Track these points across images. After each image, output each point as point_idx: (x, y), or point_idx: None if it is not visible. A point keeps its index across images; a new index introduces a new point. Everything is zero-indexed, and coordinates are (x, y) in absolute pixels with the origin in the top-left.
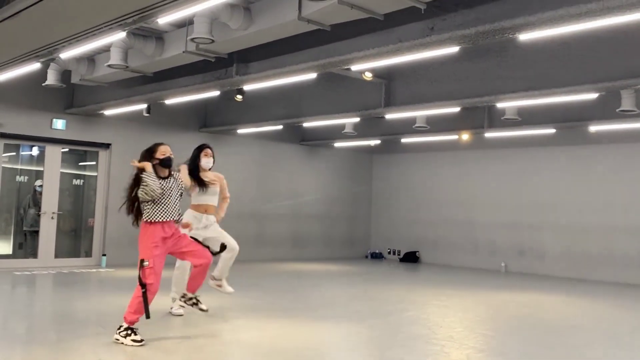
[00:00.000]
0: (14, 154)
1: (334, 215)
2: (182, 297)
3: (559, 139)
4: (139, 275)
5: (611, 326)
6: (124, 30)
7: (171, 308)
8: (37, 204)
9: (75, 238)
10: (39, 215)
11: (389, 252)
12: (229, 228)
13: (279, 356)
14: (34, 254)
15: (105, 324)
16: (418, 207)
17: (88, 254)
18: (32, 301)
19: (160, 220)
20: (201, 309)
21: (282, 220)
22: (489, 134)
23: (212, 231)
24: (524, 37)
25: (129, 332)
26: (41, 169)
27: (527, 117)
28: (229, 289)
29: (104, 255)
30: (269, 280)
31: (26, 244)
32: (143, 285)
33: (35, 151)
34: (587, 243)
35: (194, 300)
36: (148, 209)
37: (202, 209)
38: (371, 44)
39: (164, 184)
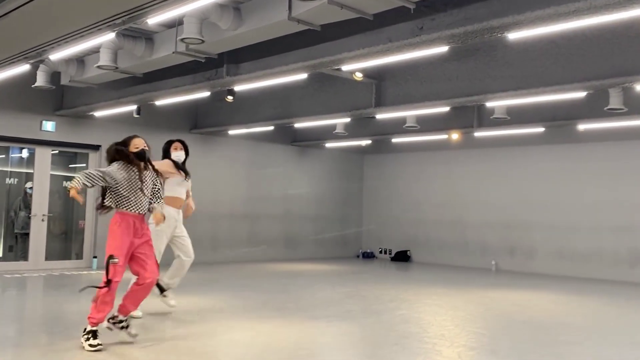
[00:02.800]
0: (3, 156)
1: (326, 215)
2: (111, 319)
3: (548, 138)
4: (106, 271)
5: (601, 323)
6: (114, 31)
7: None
8: (27, 206)
9: (66, 240)
10: (29, 218)
11: (381, 252)
12: (220, 229)
13: (271, 356)
14: (24, 256)
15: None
16: (409, 206)
17: (79, 256)
18: (23, 304)
19: (132, 212)
20: (130, 334)
21: (274, 221)
22: (478, 133)
23: (182, 230)
24: (513, 36)
25: (88, 335)
26: (31, 171)
27: (516, 116)
28: (173, 301)
29: (95, 257)
30: (261, 281)
31: (17, 246)
32: (109, 281)
33: (24, 153)
34: (576, 241)
35: (124, 324)
36: (119, 199)
37: (178, 203)
38: (361, 44)
39: (135, 173)
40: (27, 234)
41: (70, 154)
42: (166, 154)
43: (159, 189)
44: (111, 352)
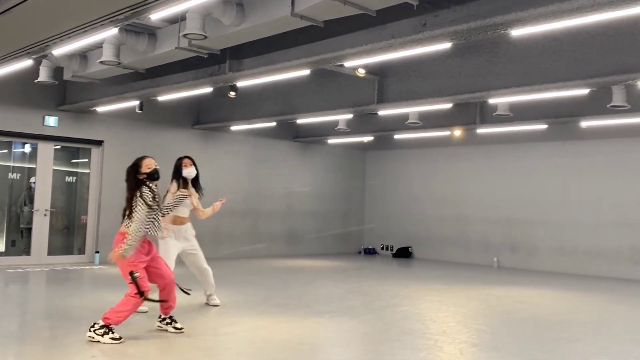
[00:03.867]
0: (6, 151)
1: (328, 211)
2: (160, 321)
3: (551, 135)
4: (137, 286)
5: (603, 320)
6: (116, 27)
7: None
8: (32, 201)
9: (68, 235)
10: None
11: (382, 248)
12: (222, 224)
13: (273, 351)
14: (27, 251)
15: (99, 321)
16: (411, 203)
17: (81, 251)
18: (26, 299)
19: (149, 234)
20: (176, 328)
21: (276, 217)
22: (481, 130)
23: (192, 246)
24: (516, 32)
25: (107, 330)
26: (34, 166)
27: (519, 113)
28: (216, 300)
29: (97, 252)
30: (263, 276)
31: (22, 241)
32: (142, 294)
33: (27, 148)
34: (578, 238)
35: (168, 321)
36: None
37: (179, 221)
38: (364, 40)
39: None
40: (31, 229)
41: (72, 149)
42: (178, 171)
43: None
44: (112, 349)
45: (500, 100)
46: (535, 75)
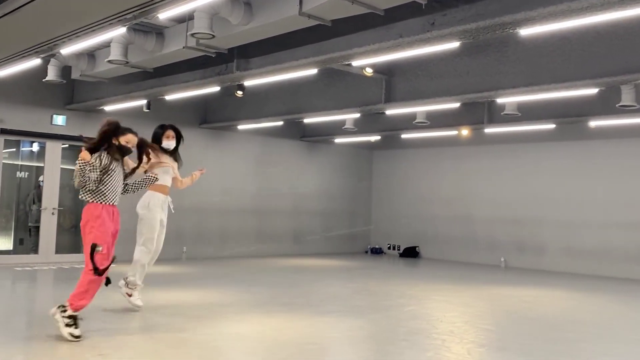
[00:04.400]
0: (14, 150)
1: (334, 210)
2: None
3: (559, 134)
4: (92, 261)
5: (611, 321)
6: (124, 26)
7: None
8: (41, 199)
9: (76, 234)
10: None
11: (389, 248)
12: (229, 223)
13: (280, 350)
14: (35, 249)
15: (106, 319)
16: (418, 202)
17: None
18: (33, 297)
19: (109, 202)
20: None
21: (283, 216)
22: (488, 130)
23: (165, 222)
24: (525, 32)
25: (72, 321)
26: (42, 165)
27: (527, 113)
28: (139, 302)
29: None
30: (270, 276)
31: (30, 239)
32: (97, 271)
33: (35, 147)
34: (586, 238)
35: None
36: (96, 189)
37: (166, 190)
38: (372, 39)
39: (114, 166)
40: (40, 227)
41: (80, 148)
42: (157, 140)
43: (127, 183)
44: (120, 347)
45: (508, 100)
46: (544, 74)
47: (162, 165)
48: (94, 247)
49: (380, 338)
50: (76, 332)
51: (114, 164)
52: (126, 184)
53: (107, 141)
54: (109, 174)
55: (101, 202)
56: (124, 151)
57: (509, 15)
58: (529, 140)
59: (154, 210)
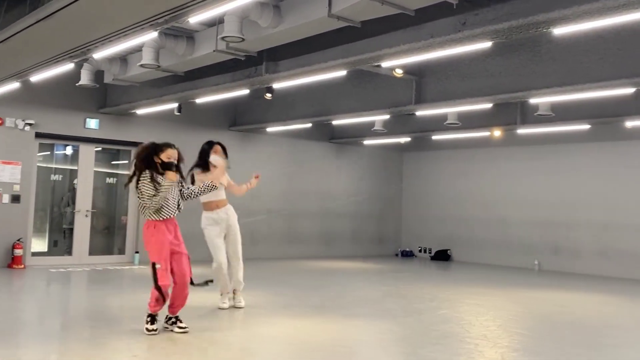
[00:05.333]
0: (49, 153)
1: (364, 213)
2: (164, 319)
3: (594, 135)
4: (153, 278)
5: None
6: (156, 30)
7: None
8: (75, 202)
9: (109, 235)
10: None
11: (420, 250)
12: (258, 226)
13: (311, 353)
14: (69, 251)
15: (139, 321)
16: (449, 204)
17: (121, 251)
18: (67, 298)
19: (165, 218)
20: (181, 327)
21: (312, 218)
22: (521, 130)
23: (234, 231)
24: (558, 31)
25: (149, 319)
26: (75, 167)
27: (561, 113)
28: (240, 303)
29: (137, 252)
30: (300, 278)
31: (64, 241)
32: (158, 287)
33: (69, 150)
34: (622, 241)
35: (173, 320)
36: (150, 207)
37: (212, 205)
38: (402, 40)
39: (164, 181)
40: (73, 229)
41: (113, 151)
42: (205, 154)
43: (183, 191)
44: (153, 347)
45: (541, 100)
46: (579, 74)
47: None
48: (154, 265)
49: (411, 341)
50: (150, 326)
51: (162, 180)
52: (182, 193)
53: (149, 163)
54: (159, 191)
55: (155, 219)
56: (168, 167)
57: (542, 14)
58: (563, 141)
59: (206, 229)
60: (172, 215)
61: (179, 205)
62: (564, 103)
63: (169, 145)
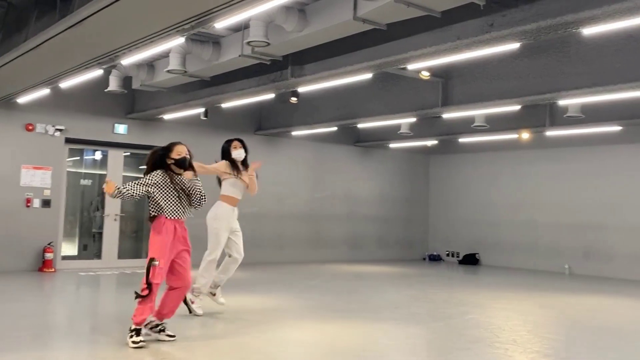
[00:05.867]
0: (78, 158)
1: (390, 216)
2: (148, 324)
3: (625, 137)
4: (146, 274)
5: None
6: (183, 36)
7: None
8: (104, 206)
9: (137, 239)
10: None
11: (448, 254)
12: (284, 229)
13: (338, 357)
14: (98, 255)
15: (167, 324)
16: (477, 208)
17: None
18: (97, 301)
19: (173, 217)
20: (168, 335)
21: (338, 222)
22: (550, 133)
23: (237, 228)
24: (588, 31)
25: (133, 332)
26: (104, 172)
27: (591, 115)
28: (222, 300)
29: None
30: (325, 282)
31: (94, 245)
32: (149, 285)
33: (98, 155)
34: None
35: (161, 328)
36: (159, 206)
37: (235, 202)
38: (428, 42)
39: (176, 180)
40: (103, 233)
41: (141, 156)
42: (226, 153)
43: (199, 192)
44: (181, 351)
45: (571, 102)
46: (609, 74)
47: (228, 177)
48: (151, 260)
49: (440, 346)
50: (136, 338)
51: (175, 179)
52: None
53: (162, 164)
54: (164, 190)
55: (165, 216)
56: (181, 163)
57: (571, 14)
58: (594, 143)
59: (220, 220)
60: (181, 217)
61: (196, 202)
62: (595, 104)
63: (175, 143)
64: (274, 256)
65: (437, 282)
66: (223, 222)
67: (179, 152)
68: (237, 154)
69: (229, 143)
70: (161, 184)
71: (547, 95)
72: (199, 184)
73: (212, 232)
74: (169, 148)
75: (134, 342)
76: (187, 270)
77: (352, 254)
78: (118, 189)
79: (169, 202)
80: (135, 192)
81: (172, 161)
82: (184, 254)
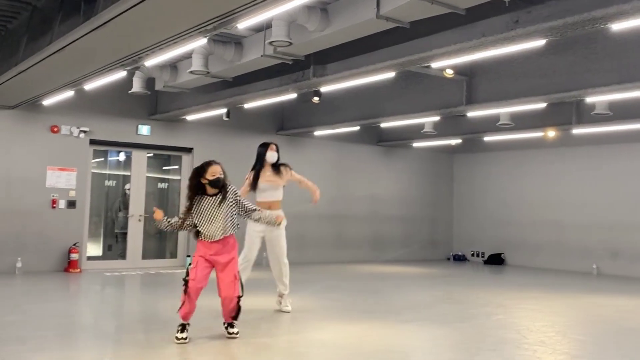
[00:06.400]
0: (102, 159)
1: (414, 216)
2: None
3: None
4: (186, 271)
5: None
6: (205, 37)
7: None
8: (127, 206)
9: (161, 240)
10: (128, 218)
11: (473, 255)
12: (307, 230)
13: (364, 359)
14: (122, 255)
15: (191, 324)
16: (503, 207)
17: (173, 255)
18: (122, 301)
19: (202, 239)
20: (229, 333)
21: (361, 222)
22: (577, 130)
23: (277, 236)
24: (617, 27)
25: (179, 327)
26: (128, 173)
27: (619, 112)
28: (286, 307)
29: (189, 256)
30: (350, 282)
31: (117, 245)
32: (186, 281)
33: (122, 156)
34: None
35: (225, 326)
36: (194, 227)
37: (266, 205)
38: (452, 39)
39: (209, 202)
40: (126, 234)
41: (164, 156)
42: (261, 157)
43: (232, 217)
44: (206, 352)
45: (598, 99)
46: (638, 70)
47: (264, 182)
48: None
49: (466, 347)
50: (179, 335)
51: (210, 200)
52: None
53: (198, 187)
54: (201, 213)
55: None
56: (215, 184)
57: (599, 9)
58: (621, 141)
59: (253, 225)
60: (211, 239)
61: (233, 224)
62: (623, 101)
63: (209, 164)
64: (296, 257)
65: (462, 283)
66: (255, 227)
67: (212, 173)
68: (271, 155)
69: (265, 147)
70: (196, 211)
71: (573, 92)
72: (234, 211)
73: (246, 237)
74: (203, 169)
75: (176, 338)
76: (224, 286)
77: (375, 255)
78: (167, 219)
79: (205, 226)
80: (176, 225)
81: (207, 181)
82: (228, 265)
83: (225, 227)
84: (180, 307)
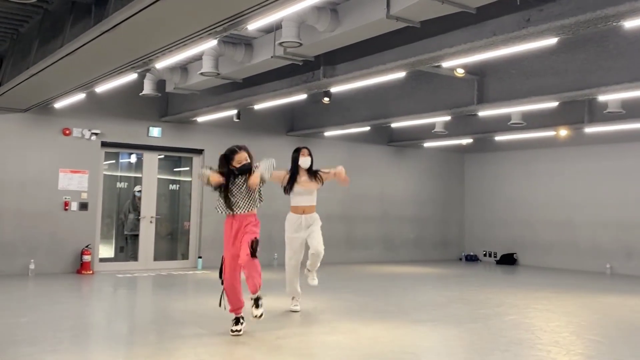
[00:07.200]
0: (114, 161)
1: (425, 216)
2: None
3: None
4: (220, 269)
5: None
6: (215, 39)
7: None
8: (136, 209)
9: (172, 241)
10: (138, 220)
11: (485, 255)
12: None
13: (376, 359)
14: (134, 257)
15: (203, 325)
16: (514, 207)
17: (185, 256)
18: (134, 302)
19: (227, 213)
20: (255, 312)
21: (372, 222)
22: (589, 129)
23: (310, 232)
24: (630, 24)
25: (233, 320)
26: (139, 175)
27: (632, 110)
28: (313, 281)
29: (200, 257)
30: (361, 282)
31: (127, 247)
32: (221, 280)
33: (133, 158)
34: None
35: (252, 302)
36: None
37: (300, 210)
38: (463, 39)
39: (237, 183)
40: (136, 236)
41: (175, 158)
42: (295, 162)
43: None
44: (219, 352)
45: (611, 97)
46: None
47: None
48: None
49: (479, 348)
50: (234, 327)
51: (238, 180)
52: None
53: (229, 173)
54: (223, 191)
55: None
56: (243, 171)
57: (611, 7)
58: (634, 140)
59: (287, 230)
60: (237, 212)
61: (255, 200)
62: (636, 99)
63: (234, 151)
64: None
65: (474, 283)
66: (287, 232)
67: (239, 161)
68: (303, 161)
69: (297, 152)
70: (226, 186)
71: (585, 91)
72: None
73: (286, 242)
74: (230, 158)
75: (231, 331)
76: (242, 250)
77: (386, 255)
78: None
79: (228, 200)
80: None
81: (235, 168)
82: (244, 237)
83: (250, 204)
84: (229, 303)
